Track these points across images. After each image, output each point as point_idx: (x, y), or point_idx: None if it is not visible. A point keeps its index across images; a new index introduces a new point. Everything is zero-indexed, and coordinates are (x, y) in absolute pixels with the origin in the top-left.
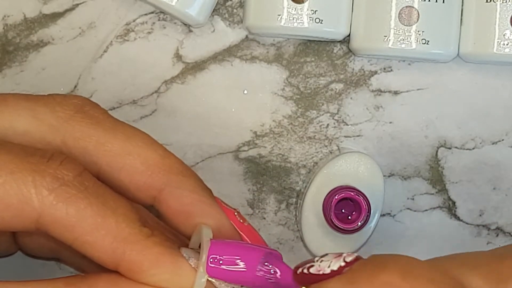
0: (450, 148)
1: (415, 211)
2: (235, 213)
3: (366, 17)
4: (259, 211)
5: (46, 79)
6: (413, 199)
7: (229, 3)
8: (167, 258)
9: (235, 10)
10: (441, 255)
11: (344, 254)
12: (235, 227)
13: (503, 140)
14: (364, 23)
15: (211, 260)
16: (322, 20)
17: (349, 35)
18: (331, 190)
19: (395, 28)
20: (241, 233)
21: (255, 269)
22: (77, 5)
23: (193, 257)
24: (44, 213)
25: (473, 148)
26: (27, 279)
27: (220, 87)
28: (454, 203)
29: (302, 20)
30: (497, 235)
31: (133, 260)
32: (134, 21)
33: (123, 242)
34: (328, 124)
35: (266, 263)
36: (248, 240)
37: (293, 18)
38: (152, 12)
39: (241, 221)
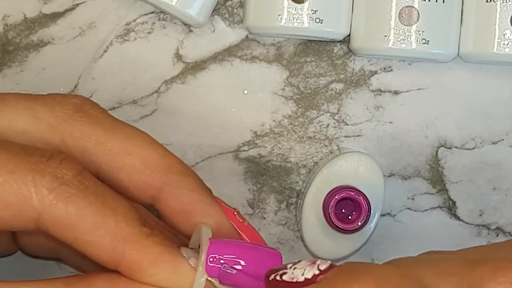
0: (450, 148)
1: (415, 211)
2: (235, 213)
3: (366, 17)
4: (259, 211)
5: (46, 79)
6: (413, 199)
7: (229, 3)
8: (167, 258)
9: (235, 10)
10: None
11: (318, 262)
12: (235, 226)
13: (503, 140)
14: (364, 23)
15: (210, 259)
16: (322, 20)
17: (349, 35)
18: (331, 190)
19: (395, 28)
20: (240, 232)
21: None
22: (77, 5)
23: (193, 257)
24: (44, 212)
25: (473, 148)
26: (27, 279)
27: (220, 87)
28: (454, 203)
29: (302, 20)
30: (497, 235)
31: (133, 260)
32: (134, 21)
33: (122, 241)
34: (328, 124)
35: None
36: (248, 239)
37: (293, 18)
38: (152, 12)
39: (241, 220)
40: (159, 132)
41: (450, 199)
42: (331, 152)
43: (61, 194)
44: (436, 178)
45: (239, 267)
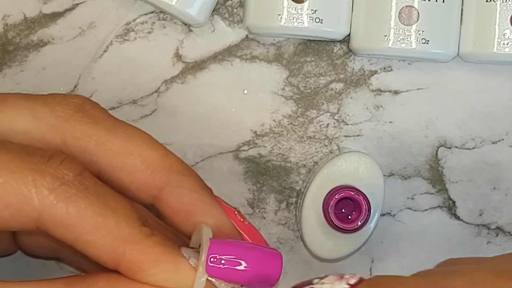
0: (450, 148)
1: (415, 211)
2: (235, 212)
3: (366, 17)
4: (259, 211)
5: (46, 79)
6: (413, 199)
7: (229, 2)
8: (167, 258)
9: (235, 10)
10: (441, 255)
11: (346, 276)
12: (236, 226)
13: (503, 140)
14: (364, 23)
15: (211, 259)
16: (322, 20)
17: (349, 35)
18: (331, 190)
19: (395, 27)
20: (241, 232)
21: (255, 269)
22: (77, 5)
23: (193, 257)
24: (45, 213)
25: (473, 148)
26: (27, 279)
27: (220, 87)
28: (454, 202)
29: (302, 20)
30: (497, 235)
31: (133, 260)
32: (134, 21)
33: (123, 241)
34: (328, 124)
35: None
36: (248, 239)
37: (293, 18)
38: (152, 12)
39: (242, 220)
40: (159, 132)
41: (450, 199)
42: (331, 152)
43: (61, 194)
44: (436, 178)
45: (239, 267)
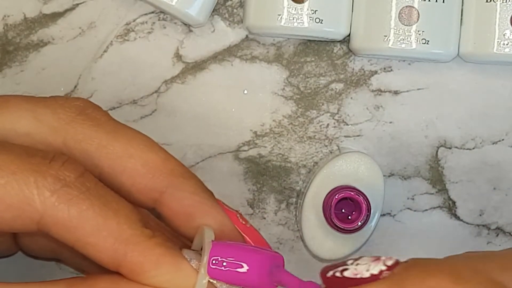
0: (450, 148)
1: (415, 211)
2: (237, 215)
3: (366, 17)
4: (259, 211)
5: (46, 79)
6: (413, 199)
7: (229, 3)
8: (169, 259)
9: (235, 10)
10: (441, 255)
11: (383, 258)
12: (238, 228)
13: (503, 140)
14: (364, 23)
15: (213, 261)
16: (322, 20)
17: (349, 35)
18: (331, 190)
19: (395, 28)
20: (243, 234)
21: (257, 272)
22: (77, 5)
23: (195, 259)
24: (46, 214)
25: (473, 148)
26: (27, 280)
27: (220, 87)
28: (454, 203)
29: (302, 20)
30: (497, 235)
31: (135, 261)
32: (134, 21)
33: (124, 243)
34: (328, 124)
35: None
36: (250, 241)
37: (293, 18)
38: (152, 12)
39: (243, 222)
40: (159, 132)
41: (450, 199)
42: (331, 152)
43: (63, 196)
44: (436, 178)
45: (241, 269)
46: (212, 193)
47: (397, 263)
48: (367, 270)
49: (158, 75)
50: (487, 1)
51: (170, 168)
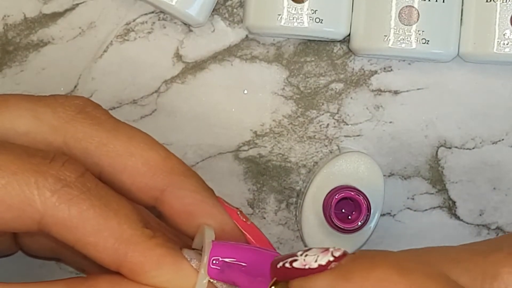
0: (450, 148)
1: (415, 211)
2: (238, 212)
3: (366, 17)
4: (259, 211)
5: (46, 79)
6: (413, 199)
7: (229, 3)
8: (169, 260)
9: (235, 10)
10: None
11: (331, 249)
12: (238, 226)
13: (503, 140)
14: (364, 23)
15: (213, 261)
16: (322, 20)
17: (349, 35)
18: (331, 190)
19: (395, 27)
20: (244, 232)
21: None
22: (77, 5)
23: (195, 259)
24: (47, 214)
25: (473, 148)
26: (27, 279)
27: (220, 87)
28: (454, 203)
29: (302, 20)
30: (497, 235)
31: (135, 262)
32: (134, 21)
33: (125, 243)
34: (328, 124)
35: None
36: (252, 239)
37: (293, 18)
38: (152, 12)
39: (244, 220)
40: (159, 132)
41: (450, 199)
42: (331, 152)
43: (63, 196)
44: (436, 178)
45: (241, 269)
46: (213, 191)
47: (344, 254)
48: (315, 261)
49: (158, 75)
50: (487, 1)
51: (170, 166)
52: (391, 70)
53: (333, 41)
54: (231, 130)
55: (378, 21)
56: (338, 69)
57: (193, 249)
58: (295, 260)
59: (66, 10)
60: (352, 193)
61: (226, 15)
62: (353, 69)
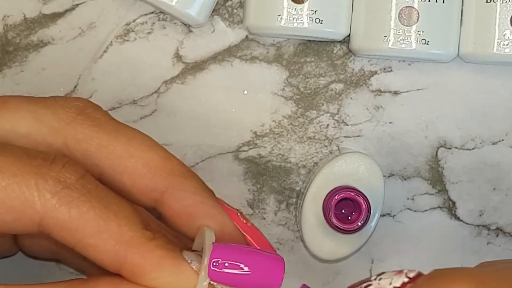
0: (450, 148)
1: (415, 211)
2: (238, 214)
3: (366, 17)
4: (259, 211)
5: (46, 79)
6: (413, 199)
7: (229, 3)
8: (169, 261)
9: (235, 10)
10: (441, 255)
11: (405, 270)
12: (239, 228)
13: (503, 140)
14: (364, 23)
15: (213, 263)
16: (322, 20)
17: (349, 35)
18: (331, 190)
19: (395, 28)
20: (245, 234)
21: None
22: (77, 5)
23: (195, 260)
24: (47, 216)
25: (473, 148)
26: (27, 280)
27: (220, 87)
28: (454, 203)
29: (302, 20)
30: (497, 235)
31: (135, 263)
32: (134, 21)
33: (125, 245)
34: (328, 124)
35: None
36: (252, 240)
37: (293, 18)
38: (152, 12)
39: (244, 221)
40: (159, 133)
41: (450, 199)
42: (331, 152)
43: (64, 198)
44: (436, 178)
45: (242, 271)
46: (213, 193)
47: (419, 274)
48: (390, 284)
49: (158, 75)
50: (487, 1)
51: (170, 167)
52: (391, 70)
53: (333, 42)
54: (231, 130)
55: (378, 21)
56: (338, 70)
57: (194, 251)
58: (370, 285)
59: (66, 11)
60: (352, 194)
61: (226, 15)
62: (353, 69)
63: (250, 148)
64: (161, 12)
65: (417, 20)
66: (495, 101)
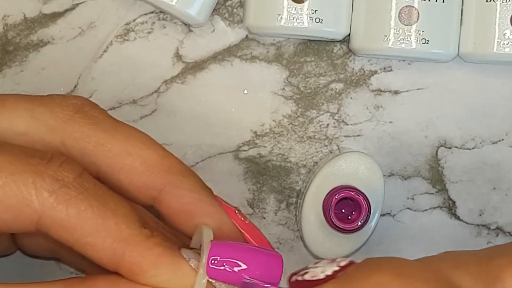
0: (450, 148)
1: (415, 211)
2: (236, 211)
3: (366, 17)
4: (259, 211)
5: (46, 79)
6: (413, 199)
7: (229, 2)
8: (167, 259)
9: (235, 10)
10: None
11: (338, 259)
12: (237, 225)
13: (503, 140)
14: (364, 23)
15: (212, 261)
16: (322, 20)
17: (349, 35)
18: (331, 190)
19: (395, 27)
20: (243, 231)
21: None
22: (77, 5)
23: (194, 258)
24: (45, 215)
25: (473, 148)
26: (27, 279)
27: (220, 87)
28: (454, 203)
29: (302, 20)
30: (497, 235)
31: (133, 262)
32: (134, 21)
33: (123, 243)
34: (328, 124)
35: None
36: (250, 238)
37: (293, 18)
38: (152, 12)
39: (242, 219)
40: (159, 132)
41: (450, 199)
42: (331, 152)
43: (61, 196)
44: (436, 178)
45: (240, 269)
46: (211, 190)
47: (351, 263)
48: (322, 272)
49: (158, 75)
50: (487, 1)
51: (168, 165)
52: (391, 70)
53: (333, 41)
54: (231, 130)
55: (378, 21)
56: (338, 69)
57: (192, 248)
58: (306, 273)
59: (66, 10)
60: (352, 193)
61: (226, 15)
62: (353, 69)
63: (250, 148)
64: (161, 12)
65: (417, 20)
66: (495, 100)
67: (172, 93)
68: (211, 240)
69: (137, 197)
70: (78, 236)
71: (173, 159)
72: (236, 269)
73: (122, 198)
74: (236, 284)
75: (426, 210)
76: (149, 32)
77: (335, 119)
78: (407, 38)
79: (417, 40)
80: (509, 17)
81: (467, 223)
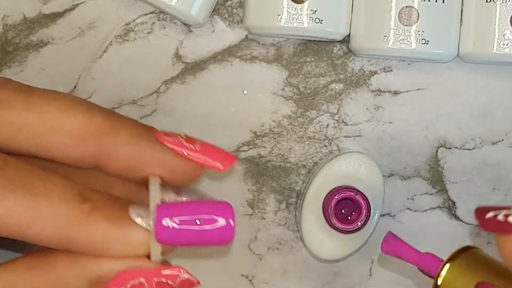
0: (450, 148)
1: (415, 211)
2: (182, 140)
3: (366, 17)
4: (259, 211)
5: (46, 79)
6: (413, 199)
7: (229, 3)
8: (116, 231)
9: (235, 10)
10: (441, 255)
11: None
12: (187, 156)
13: (503, 140)
14: (364, 23)
15: (162, 223)
16: (322, 20)
17: (349, 35)
18: (331, 190)
19: (395, 28)
20: (196, 160)
21: (209, 225)
22: (77, 5)
23: (145, 216)
24: None
25: (473, 148)
26: None
27: (220, 87)
28: (454, 203)
29: (302, 20)
30: None
31: (81, 242)
32: (134, 21)
33: (65, 227)
34: (328, 124)
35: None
36: (208, 161)
37: (293, 18)
38: (152, 12)
39: (192, 146)
40: None
41: (449, 199)
42: (330, 152)
43: None
44: (436, 178)
45: (192, 227)
46: (148, 131)
47: None
48: None
49: (157, 75)
50: (487, 1)
51: (94, 129)
52: (391, 70)
53: (333, 41)
54: (231, 130)
55: (378, 21)
56: (338, 70)
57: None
58: (510, 215)
59: (66, 11)
60: (352, 194)
61: (226, 15)
62: (353, 69)
63: (250, 148)
64: (161, 12)
65: (417, 20)
66: (495, 101)
67: (172, 93)
68: (158, 205)
69: (78, 166)
70: (17, 231)
71: (97, 119)
72: (189, 226)
73: (53, 175)
74: (191, 242)
75: (426, 210)
76: (149, 32)
77: (335, 120)
78: (407, 39)
79: (417, 41)
80: (509, 17)
81: (467, 223)
